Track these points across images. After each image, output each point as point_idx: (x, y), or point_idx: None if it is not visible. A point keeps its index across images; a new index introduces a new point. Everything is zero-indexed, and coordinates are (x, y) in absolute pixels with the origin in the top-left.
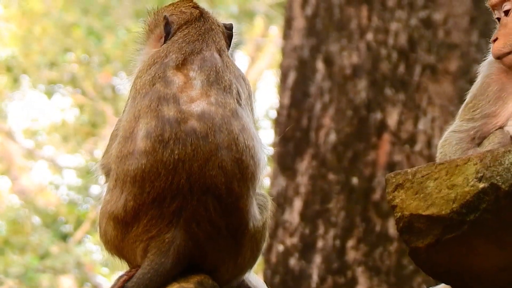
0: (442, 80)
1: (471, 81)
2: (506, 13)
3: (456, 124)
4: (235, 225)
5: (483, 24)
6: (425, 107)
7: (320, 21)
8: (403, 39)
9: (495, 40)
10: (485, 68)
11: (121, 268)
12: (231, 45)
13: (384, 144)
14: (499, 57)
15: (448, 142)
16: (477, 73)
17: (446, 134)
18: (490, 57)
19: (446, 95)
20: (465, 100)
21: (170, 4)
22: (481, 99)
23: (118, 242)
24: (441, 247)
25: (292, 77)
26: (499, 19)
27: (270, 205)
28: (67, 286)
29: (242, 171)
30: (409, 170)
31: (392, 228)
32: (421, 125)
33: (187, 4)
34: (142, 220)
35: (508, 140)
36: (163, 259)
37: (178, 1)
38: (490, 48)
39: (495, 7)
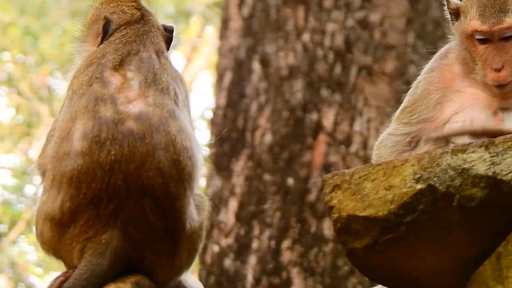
0: (378, 81)
1: (407, 82)
2: (507, 39)
3: (393, 126)
4: (172, 226)
5: (419, 26)
6: (361, 108)
7: (256, 22)
8: (339, 40)
9: (497, 68)
10: (427, 75)
11: (57, 269)
12: (171, 47)
13: (320, 145)
14: (503, 85)
15: (384, 144)
16: (416, 75)
17: (382, 136)
18: (432, 63)
19: (382, 96)
20: (402, 102)
21: (113, 1)
22: (420, 105)
23: (55, 243)
24: (378, 248)
25: (228, 77)
26: (483, 41)
27: (207, 205)
28: (1, 286)
29: (179, 172)
30: (346, 171)
31: (327, 229)
32: (357, 126)
33: (130, 4)
34: (79, 221)
35: (443, 142)
36: (100, 260)
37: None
38: (486, 74)
39: (493, 33)
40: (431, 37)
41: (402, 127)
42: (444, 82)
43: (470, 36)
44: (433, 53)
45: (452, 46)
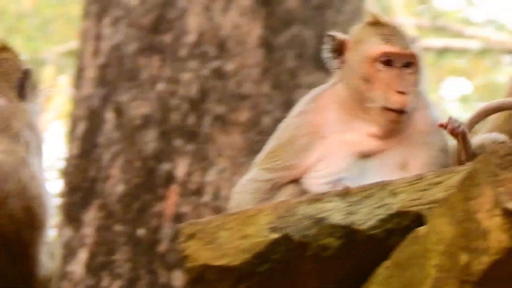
0: (232, 131)
1: (262, 133)
2: (408, 66)
3: (255, 172)
4: (24, 274)
5: (275, 75)
6: (214, 158)
7: (111, 71)
8: (194, 90)
9: (401, 92)
10: (296, 118)
11: None
12: (27, 91)
13: (172, 195)
14: (402, 112)
15: (245, 190)
16: (271, 125)
17: (243, 180)
18: (301, 107)
19: (235, 146)
20: (267, 146)
21: None
22: (285, 151)
23: None
24: None
25: (81, 127)
26: (388, 64)
27: (58, 254)
28: None
29: (32, 220)
30: (202, 220)
31: (177, 280)
32: (209, 176)
33: None
34: None
35: (299, 192)
36: None
37: None
38: (389, 98)
39: (402, 56)
40: (286, 87)
41: (264, 173)
42: (313, 127)
43: (373, 61)
44: (288, 103)
45: (324, 88)
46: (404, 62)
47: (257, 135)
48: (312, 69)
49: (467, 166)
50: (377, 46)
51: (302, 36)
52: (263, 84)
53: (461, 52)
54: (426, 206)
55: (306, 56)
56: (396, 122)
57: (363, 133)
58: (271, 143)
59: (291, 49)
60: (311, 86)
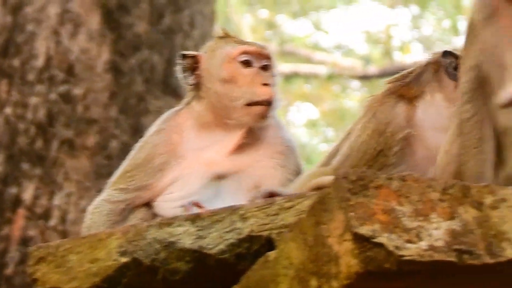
0: (79, 155)
1: (109, 157)
2: (265, 69)
3: (109, 192)
4: None
5: (122, 100)
6: (61, 182)
7: None
8: (42, 114)
9: (266, 84)
10: (154, 137)
11: None
12: None
13: (19, 219)
14: (269, 104)
15: (99, 211)
16: (118, 149)
17: (97, 201)
18: (159, 125)
19: (82, 171)
20: (122, 165)
21: None
22: (141, 170)
23: None
24: None
25: None
26: (248, 64)
27: None
28: None
29: None
30: (52, 244)
31: None
32: (56, 201)
33: None
34: None
35: (151, 215)
36: None
37: None
38: (255, 92)
39: (262, 55)
40: (134, 112)
41: (118, 193)
42: (170, 146)
43: (233, 60)
44: (136, 128)
45: (180, 108)
46: (261, 63)
47: (104, 159)
48: (160, 93)
49: (318, 191)
50: (236, 46)
51: (151, 60)
52: (111, 108)
53: (309, 77)
54: (277, 231)
55: (154, 81)
56: (264, 117)
57: (220, 151)
58: (126, 162)
59: (140, 73)
60: (159, 110)
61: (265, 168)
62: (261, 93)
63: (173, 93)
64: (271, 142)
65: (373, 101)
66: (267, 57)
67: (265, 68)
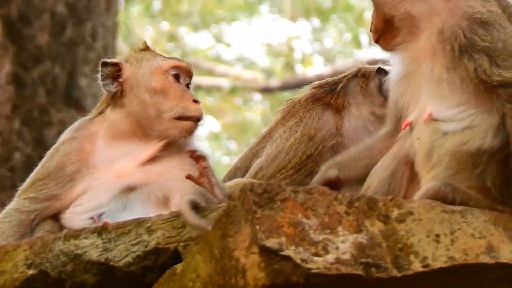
0: None
1: (12, 169)
2: (187, 86)
3: (19, 201)
4: None
5: (25, 112)
6: None
7: None
8: None
9: (196, 101)
10: (66, 145)
11: None
12: None
13: None
14: (200, 120)
15: (8, 221)
16: (20, 161)
17: (6, 210)
18: (72, 133)
19: None
20: (33, 173)
21: None
22: (52, 179)
23: None
24: None
25: None
26: (177, 78)
27: None
28: None
29: None
30: None
31: None
32: None
33: None
34: None
35: (58, 228)
36: None
37: None
38: (187, 107)
39: (189, 72)
40: (36, 124)
41: (29, 203)
42: (82, 155)
43: (165, 73)
44: (39, 140)
45: (92, 116)
46: (186, 81)
47: (7, 172)
48: (62, 105)
49: (225, 204)
50: (168, 60)
51: (53, 72)
52: (13, 120)
53: (211, 90)
54: (183, 243)
55: (56, 93)
56: (191, 132)
57: (132, 161)
58: (39, 170)
59: (42, 85)
60: (62, 122)
61: (176, 179)
62: (193, 109)
63: (76, 105)
64: (183, 154)
65: (295, 105)
66: (191, 76)
67: (187, 86)
